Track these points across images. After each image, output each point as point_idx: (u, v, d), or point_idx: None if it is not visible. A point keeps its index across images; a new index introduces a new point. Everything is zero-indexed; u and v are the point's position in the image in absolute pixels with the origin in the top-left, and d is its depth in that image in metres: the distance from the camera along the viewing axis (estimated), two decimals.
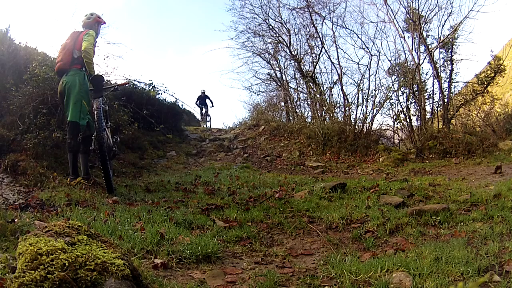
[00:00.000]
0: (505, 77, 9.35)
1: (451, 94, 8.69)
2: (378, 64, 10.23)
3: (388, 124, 9.00)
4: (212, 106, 14.57)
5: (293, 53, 11.38)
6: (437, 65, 8.60)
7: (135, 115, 7.14)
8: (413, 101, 8.53)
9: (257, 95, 15.06)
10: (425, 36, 8.57)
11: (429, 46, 8.52)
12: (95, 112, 3.79)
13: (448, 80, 8.57)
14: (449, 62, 8.61)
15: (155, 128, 7.67)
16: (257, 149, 9.14)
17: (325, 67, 12.64)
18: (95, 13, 4.23)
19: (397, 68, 8.98)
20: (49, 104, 4.95)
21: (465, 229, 2.45)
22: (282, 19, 11.39)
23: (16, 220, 2.22)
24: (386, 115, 9.31)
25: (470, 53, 18.14)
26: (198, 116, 15.36)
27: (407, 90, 8.49)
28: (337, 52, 10.08)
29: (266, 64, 12.54)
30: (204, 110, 14.48)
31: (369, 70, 8.91)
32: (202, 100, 14.53)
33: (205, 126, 13.95)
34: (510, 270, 1.74)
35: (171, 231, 2.40)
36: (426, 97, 8.60)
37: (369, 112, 8.35)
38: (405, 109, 8.49)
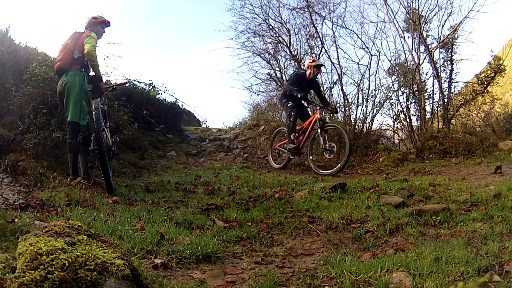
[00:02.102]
0: (505, 77, 9.34)
1: (451, 94, 8.69)
2: (378, 64, 10.15)
3: (388, 124, 8.99)
4: (327, 107, 6.18)
5: (293, 53, 11.38)
6: (437, 65, 8.60)
7: (135, 115, 7.14)
8: (413, 101, 8.53)
9: (257, 95, 15.00)
10: (425, 36, 8.57)
11: (429, 46, 8.52)
12: (94, 112, 3.80)
13: (448, 80, 8.57)
14: (449, 62, 8.61)
15: (155, 128, 7.67)
16: (257, 149, 9.14)
17: (325, 67, 12.61)
18: (94, 15, 4.29)
19: (397, 68, 8.98)
20: (49, 104, 4.95)
21: (465, 229, 2.45)
22: (282, 19, 11.37)
23: (16, 220, 2.22)
24: (386, 115, 9.30)
25: (470, 53, 18.15)
26: (199, 117, 14.72)
27: (407, 90, 8.49)
28: (337, 52, 10.05)
29: (266, 64, 12.52)
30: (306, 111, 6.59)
31: (369, 70, 8.90)
32: (307, 85, 6.40)
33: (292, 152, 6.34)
34: (510, 270, 1.74)
35: (171, 231, 2.40)
36: (426, 97, 8.60)
37: (369, 112, 8.36)
38: (405, 109, 8.49)
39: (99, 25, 4.31)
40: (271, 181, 5.12)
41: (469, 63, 21.73)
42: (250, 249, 2.40)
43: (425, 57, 8.61)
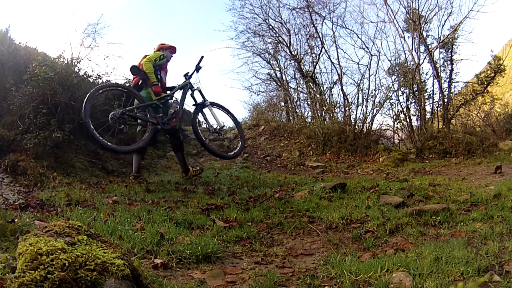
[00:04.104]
0: (505, 77, 9.34)
1: (451, 94, 8.69)
2: (378, 64, 10.17)
3: (388, 124, 8.99)
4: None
5: (293, 53, 11.38)
6: (437, 65, 8.60)
7: None
8: (413, 101, 8.54)
9: (257, 95, 15.00)
10: (425, 36, 8.57)
11: (429, 46, 8.52)
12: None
13: (448, 80, 8.57)
14: (449, 62, 8.61)
15: None
16: (257, 149, 9.14)
17: (325, 67, 12.60)
18: (162, 43, 4.91)
19: (397, 68, 8.98)
20: (49, 104, 4.94)
21: (465, 229, 2.45)
22: (282, 19, 11.38)
23: (16, 220, 2.22)
24: (386, 115, 9.29)
25: (470, 53, 18.08)
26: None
27: (407, 90, 8.49)
28: (337, 52, 10.05)
29: (266, 64, 12.52)
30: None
31: (369, 70, 8.91)
32: None
33: None
34: (510, 270, 1.74)
35: (171, 231, 2.40)
36: (426, 97, 8.60)
37: (369, 112, 8.35)
38: (405, 109, 8.49)
39: (165, 50, 4.86)
40: (271, 181, 5.12)
41: (469, 63, 21.71)
42: (250, 249, 2.40)
43: (425, 57, 8.62)
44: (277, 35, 11.60)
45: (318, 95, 10.08)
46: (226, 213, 3.11)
